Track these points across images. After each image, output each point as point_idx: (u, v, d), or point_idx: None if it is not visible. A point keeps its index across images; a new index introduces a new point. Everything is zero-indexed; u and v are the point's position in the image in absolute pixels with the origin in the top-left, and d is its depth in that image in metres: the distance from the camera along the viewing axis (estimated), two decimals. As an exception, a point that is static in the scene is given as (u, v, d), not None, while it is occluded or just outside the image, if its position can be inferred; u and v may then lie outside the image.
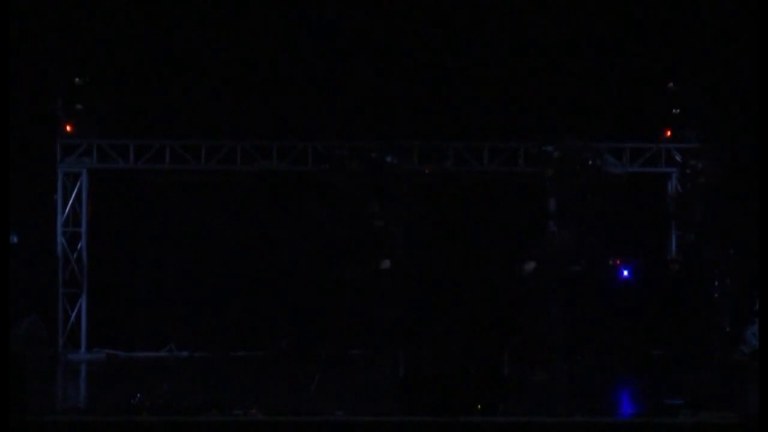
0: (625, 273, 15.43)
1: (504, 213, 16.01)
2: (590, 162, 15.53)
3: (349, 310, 16.33)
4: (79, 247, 16.44)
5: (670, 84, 16.39)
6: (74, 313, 16.30)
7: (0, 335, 10.41)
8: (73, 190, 16.48)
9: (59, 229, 16.39)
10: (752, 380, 11.86)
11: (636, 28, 16.49)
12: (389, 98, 16.36)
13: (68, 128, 16.33)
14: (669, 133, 16.52)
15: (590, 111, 16.47)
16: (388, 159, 15.40)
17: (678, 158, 16.41)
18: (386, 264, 15.20)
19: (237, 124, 16.41)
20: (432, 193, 16.41)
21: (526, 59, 16.50)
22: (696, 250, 15.76)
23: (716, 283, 15.58)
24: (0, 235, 11.78)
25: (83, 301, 16.35)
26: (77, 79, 16.24)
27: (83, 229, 16.47)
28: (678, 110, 16.45)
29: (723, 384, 13.91)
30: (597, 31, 16.46)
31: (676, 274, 15.62)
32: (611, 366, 14.67)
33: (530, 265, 14.09)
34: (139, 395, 10.87)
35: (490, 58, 16.47)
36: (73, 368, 15.45)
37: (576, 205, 14.74)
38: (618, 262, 15.44)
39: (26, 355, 13.98)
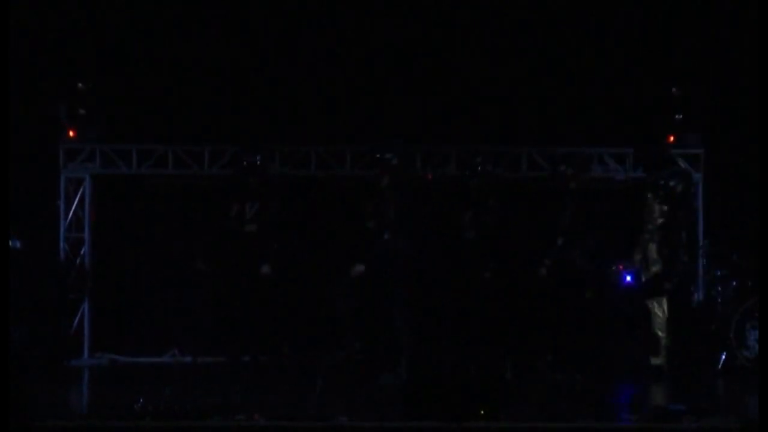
0: (628, 278, 15.41)
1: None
2: (479, 167, 15.51)
3: (352, 314, 16.37)
4: (82, 252, 16.43)
5: (674, 89, 16.35)
6: (77, 319, 16.28)
7: (1, 340, 10.41)
8: (75, 196, 16.46)
9: (62, 235, 16.37)
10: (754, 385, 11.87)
11: (639, 30, 16.49)
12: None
13: (71, 133, 16.31)
14: (672, 139, 16.47)
15: (591, 116, 16.48)
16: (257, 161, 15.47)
17: (682, 164, 16.37)
18: (266, 269, 15.22)
19: (240, 128, 16.40)
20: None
21: (517, 62, 16.55)
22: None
23: (719, 288, 15.56)
24: (1, 240, 11.81)
25: (86, 307, 16.33)
26: (80, 84, 16.23)
27: (86, 234, 16.46)
28: (681, 116, 16.40)
29: (726, 390, 13.90)
30: (598, 34, 16.46)
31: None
32: (614, 371, 14.67)
33: (359, 268, 14.10)
34: (141, 400, 10.86)
35: (488, 59, 16.48)
36: (76, 374, 15.44)
37: (416, 212, 14.63)
38: (621, 267, 15.41)
39: (28, 361, 14.09)
